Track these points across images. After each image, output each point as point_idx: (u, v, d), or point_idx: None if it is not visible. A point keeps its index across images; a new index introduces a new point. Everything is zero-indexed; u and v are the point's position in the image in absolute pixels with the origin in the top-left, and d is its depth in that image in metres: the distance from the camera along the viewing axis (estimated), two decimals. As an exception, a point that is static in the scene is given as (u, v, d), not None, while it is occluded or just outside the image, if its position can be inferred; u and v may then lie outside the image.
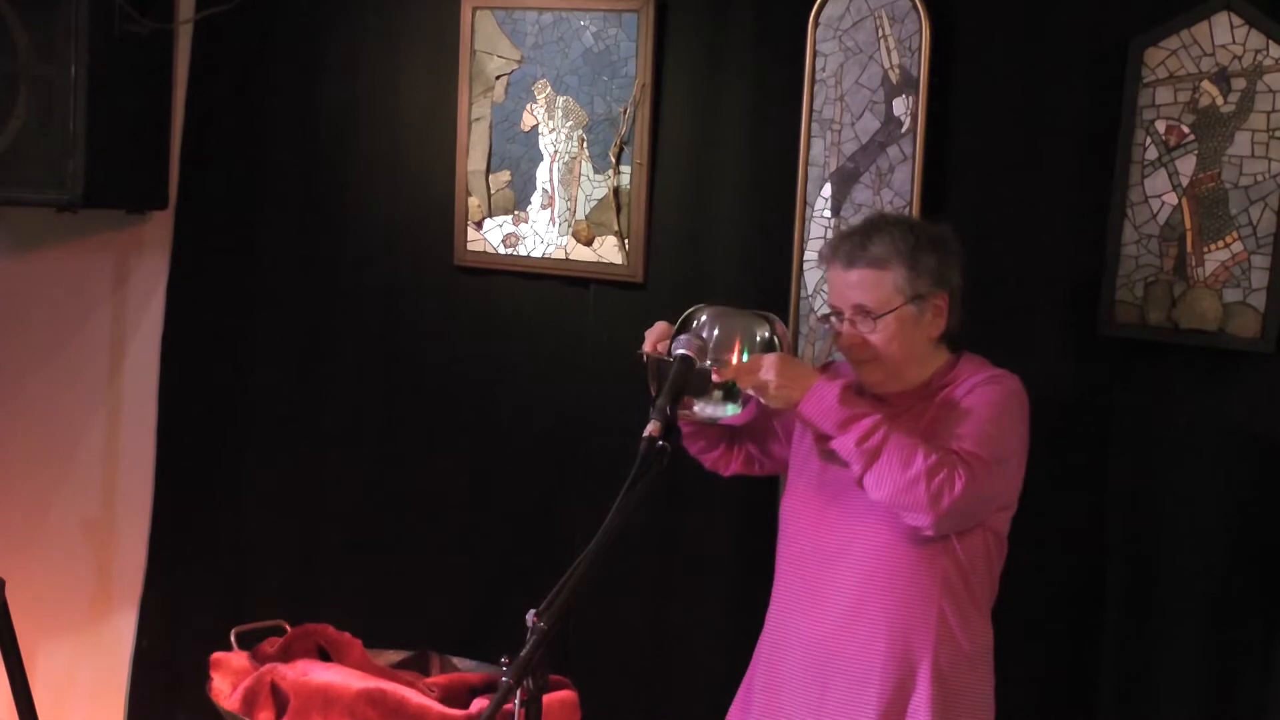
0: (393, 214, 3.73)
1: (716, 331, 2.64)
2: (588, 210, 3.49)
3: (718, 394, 2.63)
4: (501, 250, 3.59)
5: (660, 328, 2.70)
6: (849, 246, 2.66)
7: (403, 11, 3.68)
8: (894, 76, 3.14)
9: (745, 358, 2.62)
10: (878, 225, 2.69)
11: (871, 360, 2.66)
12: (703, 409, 2.66)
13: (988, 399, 2.61)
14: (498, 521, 3.65)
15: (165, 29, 3.82)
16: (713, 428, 2.83)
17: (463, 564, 3.69)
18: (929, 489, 2.47)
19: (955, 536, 2.61)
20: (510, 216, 3.58)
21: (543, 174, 3.53)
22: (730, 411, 2.67)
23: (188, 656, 3.77)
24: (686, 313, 2.70)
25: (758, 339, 2.65)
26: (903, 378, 2.68)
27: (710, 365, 2.60)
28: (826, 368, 2.88)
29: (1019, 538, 2.76)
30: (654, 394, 2.61)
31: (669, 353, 2.61)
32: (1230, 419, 2.97)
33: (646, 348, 2.68)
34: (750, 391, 2.61)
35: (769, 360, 2.59)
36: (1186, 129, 2.94)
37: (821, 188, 3.22)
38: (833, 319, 2.70)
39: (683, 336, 2.65)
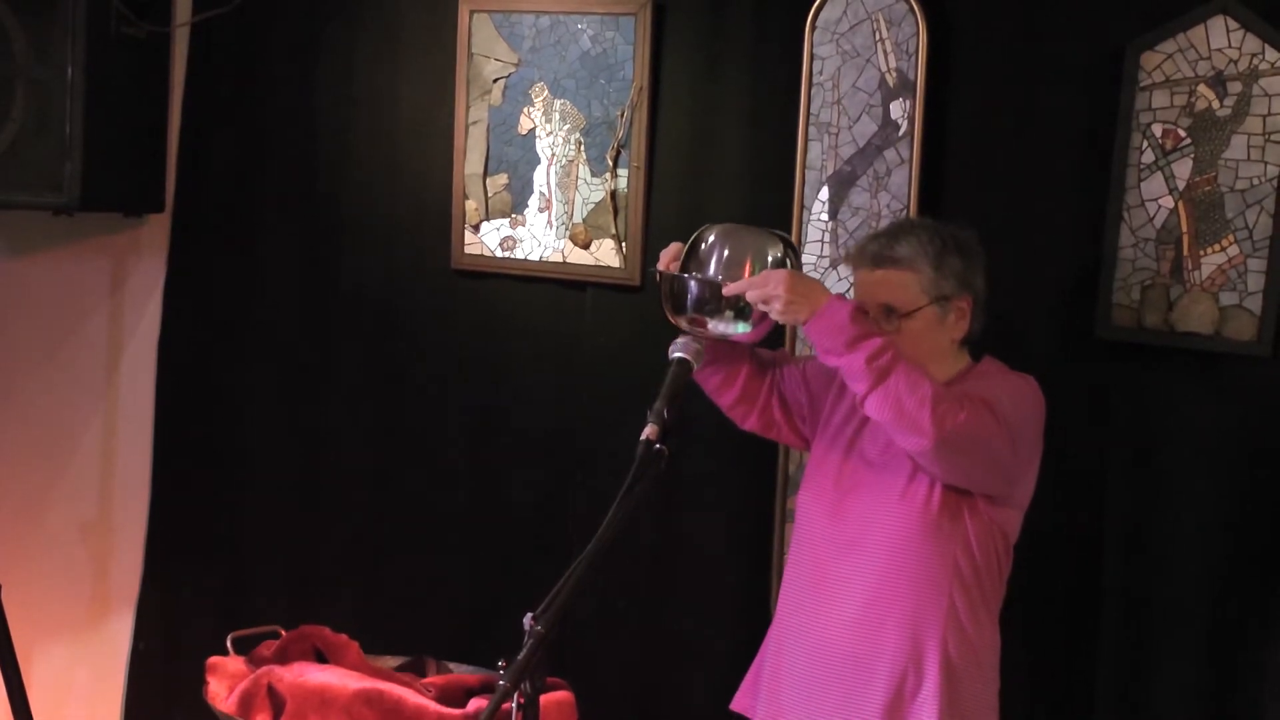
0: (390, 217, 3.73)
1: (727, 251, 2.63)
2: (585, 213, 3.49)
3: (728, 311, 2.62)
4: (499, 253, 3.59)
5: (674, 248, 2.70)
6: (876, 247, 2.69)
7: (400, 15, 3.69)
8: (891, 80, 3.14)
9: (758, 269, 2.63)
10: (905, 228, 2.72)
11: None
12: (715, 325, 2.65)
13: (1002, 383, 2.65)
14: (495, 524, 3.65)
15: (162, 32, 3.82)
16: (730, 363, 2.80)
17: (460, 567, 3.69)
18: (934, 411, 2.47)
19: (969, 528, 2.61)
20: (507, 219, 3.58)
21: (540, 177, 3.53)
22: (740, 329, 2.65)
23: (184, 660, 3.76)
24: (697, 232, 2.70)
25: (769, 258, 2.65)
26: None
27: (720, 279, 2.60)
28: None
29: (1016, 543, 2.77)
30: (668, 314, 2.64)
31: (684, 269, 2.62)
32: (1226, 422, 2.98)
33: (661, 265, 2.69)
34: (761, 306, 2.60)
35: (779, 275, 2.58)
36: (1183, 132, 2.95)
37: (819, 191, 3.23)
38: None
39: (681, 339, 2.66)
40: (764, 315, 2.63)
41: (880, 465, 2.68)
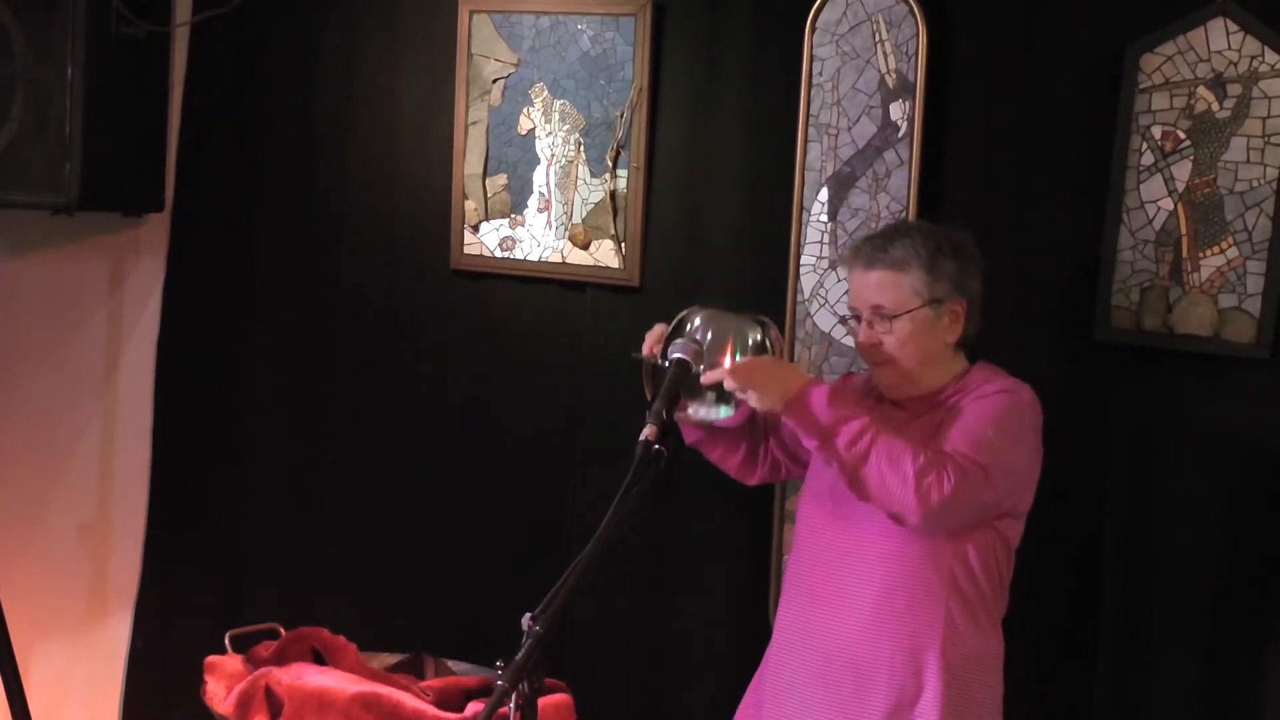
0: (389, 217, 3.73)
1: (710, 334, 2.64)
2: (584, 214, 3.49)
3: (710, 395, 2.63)
4: (498, 253, 3.59)
5: (658, 330, 2.70)
6: (870, 249, 2.69)
7: (400, 15, 3.68)
8: (891, 81, 3.14)
9: (738, 359, 2.63)
10: (900, 230, 2.73)
11: (887, 363, 2.68)
12: (696, 410, 2.66)
13: (990, 406, 2.62)
14: (494, 525, 3.65)
15: (162, 32, 3.82)
16: (727, 433, 2.83)
17: (459, 567, 3.68)
18: (918, 489, 2.48)
19: (967, 539, 2.62)
20: (507, 220, 3.58)
21: (539, 177, 3.53)
22: (724, 413, 2.66)
23: (182, 659, 3.76)
24: (680, 315, 2.71)
25: (750, 342, 2.65)
26: (918, 382, 2.70)
27: (701, 367, 2.60)
28: (846, 379, 2.90)
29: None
30: (649, 397, 2.61)
31: (664, 356, 2.61)
32: (1225, 424, 2.98)
33: (645, 350, 2.69)
34: (739, 395, 2.61)
35: (754, 363, 2.61)
36: (1182, 134, 2.95)
37: (818, 192, 3.22)
38: (851, 321, 2.73)
39: (679, 341, 2.65)
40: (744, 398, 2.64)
41: None
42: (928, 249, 2.65)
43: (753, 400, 2.59)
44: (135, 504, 4.08)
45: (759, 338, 2.67)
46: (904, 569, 2.61)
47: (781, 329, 3.00)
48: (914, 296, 2.65)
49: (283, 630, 3.20)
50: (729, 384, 2.59)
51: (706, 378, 2.60)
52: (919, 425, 2.65)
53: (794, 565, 2.81)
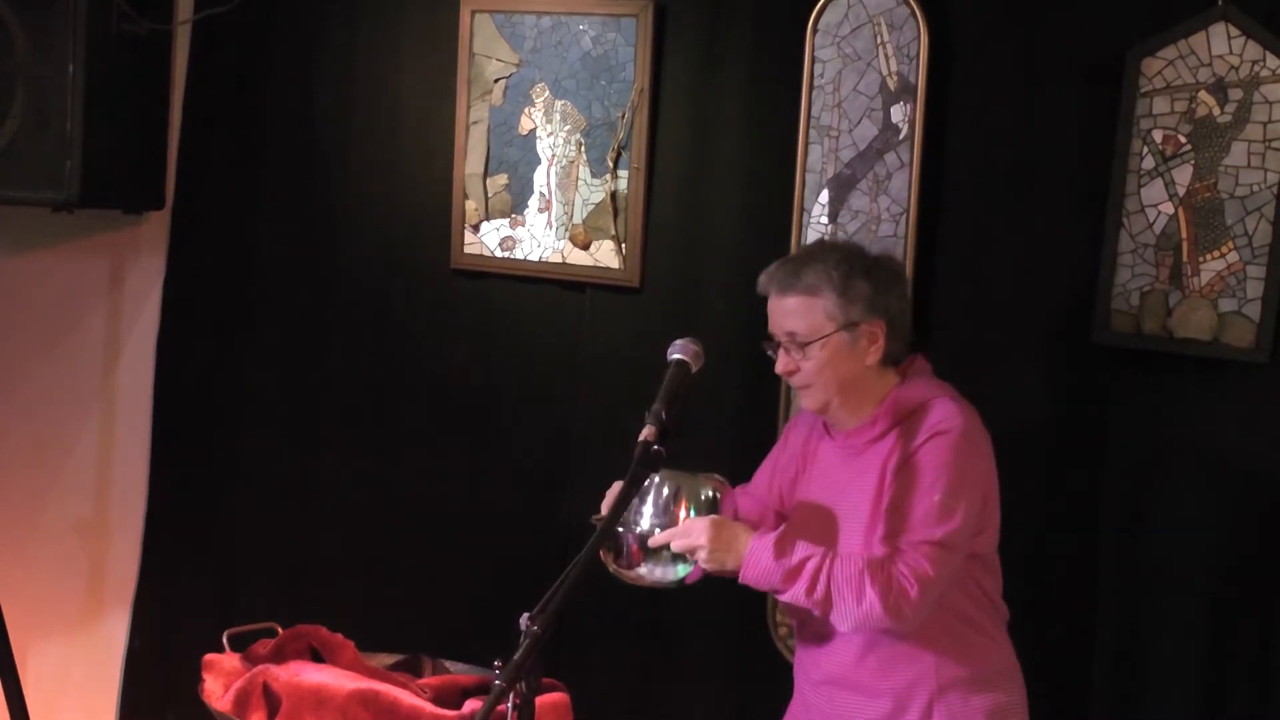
0: (390, 216, 3.73)
1: (666, 490, 2.65)
2: (585, 214, 3.49)
3: (666, 554, 2.63)
4: (498, 253, 3.59)
5: (615, 488, 2.67)
6: (783, 275, 2.66)
7: (401, 14, 3.68)
8: (892, 83, 3.14)
9: (693, 514, 2.63)
10: (813, 254, 2.70)
11: (806, 388, 2.67)
12: (651, 571, 2.65)
13: (931, 462, 2.56)
14: (492, 525, 3.65)
15: (163, 29, 3.82)
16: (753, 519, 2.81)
17: (457, 567, 3.68)
18: (889, 610, 2.47)
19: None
20: (507, 220, 3.58)
21: (540, 178, 3.53)
22: (682, 572, 2.65)
23: (180, 658, 3.76)
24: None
25: (703, 498, 2.66)
26: (851, 407, 2.67)
27: (648, 530, 2.62)
28: (798, 418, 2.87)
29: (1014, 546, 2.76)
30: (607, 566, 2.64)
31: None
32: (1224, 429, 2.98)
33: (604, 511, 2.67)
34: (689, 556, 2.61)
35: (701, 525, 2.59)
36: (1183, 139, 2.95)
37: (819, 194, 3.22)
38: (769, 348, 2.70)
39: (679, 341, 2.66)
40: None
41: (842, 524, 2.67)
42: (840, 272, 2.61)
43: (701, 561, 2.59)
44: (134, 502, 4.08)
45: (710, 494, 2.67)
46: None
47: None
48: (828, 321, 2.61)
49: (280, 629, 3.19)
50: (676, 545, 2.59)
51: (654, 541, 2.61)
52: (865, 461, 2.63)
53: None
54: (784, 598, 2.56)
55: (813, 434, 2.80)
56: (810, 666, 2.76)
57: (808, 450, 2.80)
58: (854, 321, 2.62)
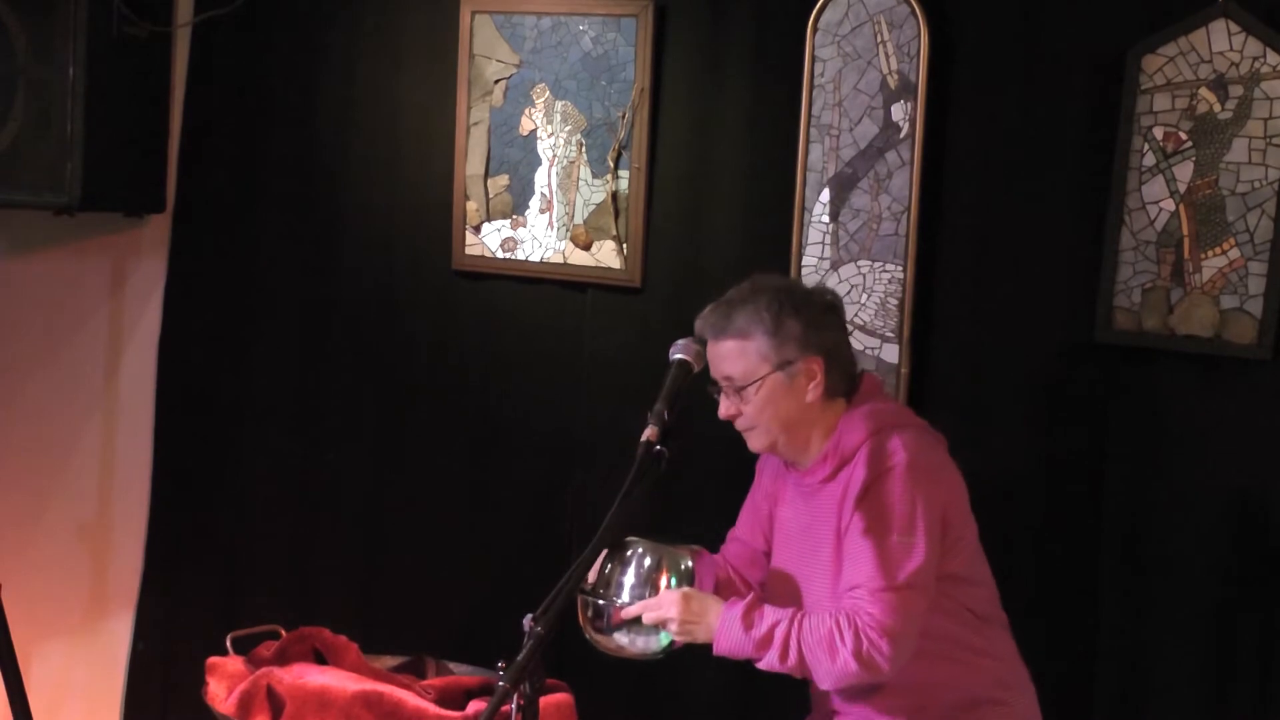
0: (391, 218, 3.73)
1: (648, 561, 2.65)
2: (586, 215, 3.49)
3: (647, 625, 2.63)
4: (499, 254, 3.59)
5: (600, 559, 2.66)
6: (715, 319, 2.65)
7: (401, 15, 3.68)
8: (892, 82, 3.14)
9: (674, 584, 2.63)
10: (744, 296, 2.66)
11: (750, 430, 2.67)
12: (634, 641, 2.65)
13: (884, 504, 2.53)
14: (495, 526, 3.65)
15: (164, 32, 3.81)
16: (741, 584, 2.83)
17: (460, 568, 3.68)
18: (863, 664, 2.46)
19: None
20: (508, 220, 3.58)
21: (541, 178, 3.53)
22: (665, 640, 2.64)
23: (184, 660, 3.76)
24: (623, 540, 2.69)
25: (682, 568, 2.66)
26: (799, 445, 2.66)
27: (616, 603, 2.62)
28: (764, 458, 2.85)
29: (1015, 545, 2.77)
30: (586, 634, 2.65)
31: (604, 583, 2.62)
32: (1226, 425, 2.98)
33: (590, 579, 2.66)
34: (658, 627, 2.61)
35: (671, 597, 2.59)
36: (1184, 135, 2.95)
37: (820, 193, 3.22)
38: (714, 392, 2.69)
39: (681, 341, 2.66)
40: None
41: (811, 568, 2.68)
42: (770, 312, 2.60)
43: (672, 632, 2.59)
44: (136, 504, 4.08)
45: (689, 564, 2.67)
46: None
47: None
48: (762, 363, 2.60)
49: (283, 631, 3.20)
50: (647, 618, 2.59)
51: (626, 612, 2.61)
52: (821, 502, 2.63)
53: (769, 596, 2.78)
54: (761, 666, 2.55)
55: (779, 471, 2.79)
56: (823, 694, 2.74)
57: (776, 488, 2.80)
58: (789, 360, 2.60)
